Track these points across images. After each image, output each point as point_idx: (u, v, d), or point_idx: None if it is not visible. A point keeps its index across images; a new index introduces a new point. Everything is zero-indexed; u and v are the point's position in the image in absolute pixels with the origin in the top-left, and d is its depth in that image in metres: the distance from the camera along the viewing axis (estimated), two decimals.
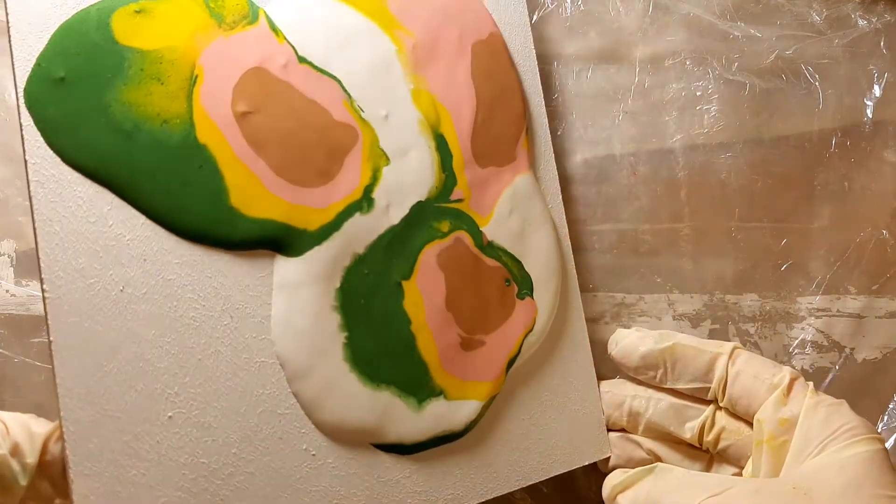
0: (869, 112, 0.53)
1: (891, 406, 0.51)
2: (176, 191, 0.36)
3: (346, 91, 0.40)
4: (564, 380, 0.44)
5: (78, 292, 0.34)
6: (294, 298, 0.38)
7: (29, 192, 0.34)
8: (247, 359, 0.37)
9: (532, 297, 0.43)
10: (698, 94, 0.52)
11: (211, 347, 0.36)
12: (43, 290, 0.34)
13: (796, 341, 0.52)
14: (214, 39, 0.38)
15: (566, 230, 0.46)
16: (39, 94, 0.35)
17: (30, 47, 0.35)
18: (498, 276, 0.43)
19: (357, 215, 0.40)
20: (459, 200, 0.42)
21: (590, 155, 0.51)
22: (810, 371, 0.51)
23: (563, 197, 0.46)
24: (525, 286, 0.43)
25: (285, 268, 0.38)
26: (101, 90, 0.35)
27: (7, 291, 0.45)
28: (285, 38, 0.39)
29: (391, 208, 0.41)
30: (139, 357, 0.35)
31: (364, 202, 0.40)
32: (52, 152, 0.35)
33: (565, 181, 0.49)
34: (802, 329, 0.52)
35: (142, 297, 0.35)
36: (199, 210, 0.36)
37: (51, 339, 0.33)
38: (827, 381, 0.51)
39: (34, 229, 0.34)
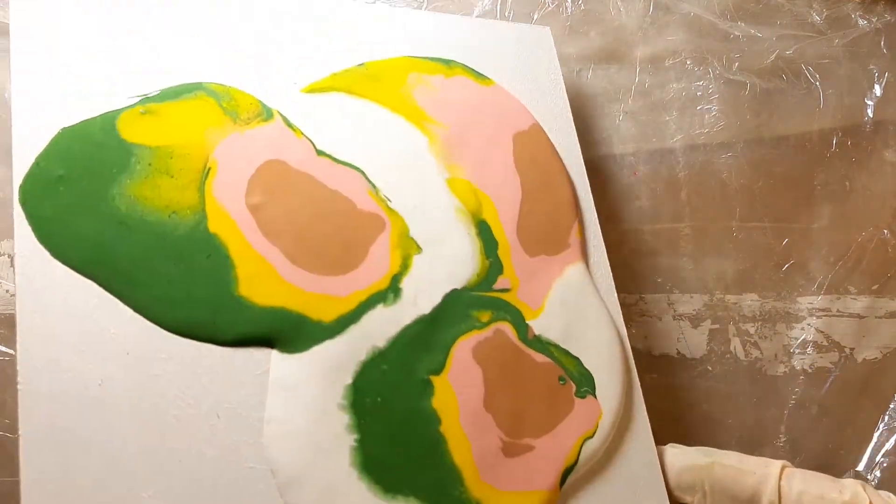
0: (869, 112, 0.53)
1: (891, 406, 0.51)
2: (177, 281, 0.35)
3: (369, 181, 0.39)
4: (629, 485, 0.38)
5: (54, 385, 0.31)
6: (293, 397, 0.34)
7: (16, 283, 0.33)
8: (234, 462, 0.32)
9: (595, 397, 0.39)
10: (699, 93, 0.52)
11: (194, 448, 0.32)
12: (17, 382, 0.31)
13: (796, 341, 0.52)
14: (229, 135, 0.38)
15: (623, 326, 0.42)
16: (35, 192, 0.34)
17: (30, 147, 0.35)
18: (550, 373, 0.38)
19: (380, 307, 0.37)
20: (505, 290, 0.40)
21: (590, 155, 0.51)
22: (810, 371, 0.51)
23: None
24: (586, 384, 0.39)
25: (285, 364, 0.35)
26: (104, 185, 0.35)
27: (7, 291, 0.45)
28: (303, 134, 0.39)
29: (421, 297, 0.38)
30: (114, 457, 0.31)
31: (390, 292, 0.37)
32: (41, 247, 0.33)
33: None
34: (802, 329, 0.52)
35: (122, 393, 0.32)
36: (201, 300, 0.34)
37: (20, 432, 0.30)
38: (827, 381, 0.51)
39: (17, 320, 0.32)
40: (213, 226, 0.36)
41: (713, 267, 0.51)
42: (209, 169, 0.37)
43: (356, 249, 0.38)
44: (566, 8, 0.51)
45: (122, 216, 0.35)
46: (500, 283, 0.40)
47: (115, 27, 0.37)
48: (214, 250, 0.36)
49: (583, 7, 0.51)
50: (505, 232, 0.41)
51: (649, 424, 0.40)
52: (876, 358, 0.52)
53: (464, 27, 0.45)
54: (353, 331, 0.36)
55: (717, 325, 0.51)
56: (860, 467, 0.49)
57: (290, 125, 0.39)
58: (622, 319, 0.41)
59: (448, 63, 0.43)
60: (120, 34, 0.37)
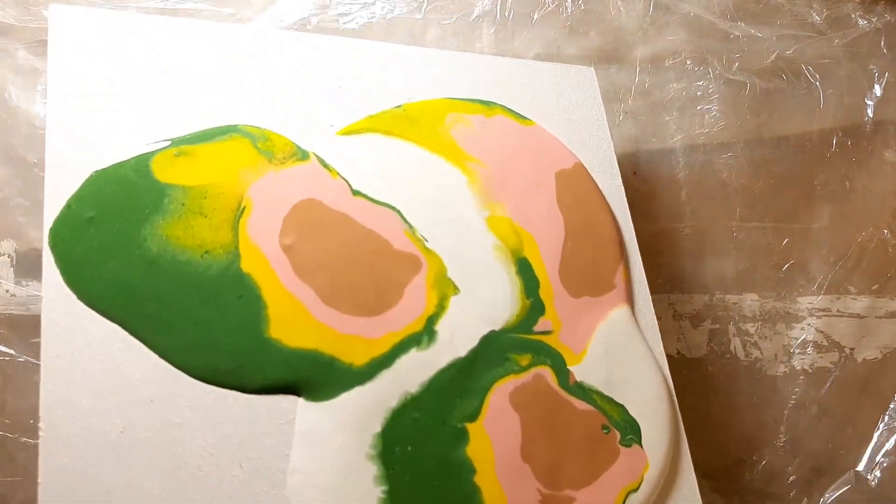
0: (869, 112, 0.53)
1: (891, 406, 0.51)
2: (205, 325, 0.34)
3: (406, 221, 0.39)
4: None
5: (75, 432, 0.31)
6: (319, 447, 0.33)
7: (41, 327, 0.33)
8: None
9: (641, 446, 0.37)
10: (699, 93, 0.52)
11: (216, 500, 0.31)
12: (39, 427, 0.31)
13: (796, 341, 0.52)
14: (264, 174, 0.37)
15: (669, 375, 0.40)
16: (64, 234, 0.34)
17: (63, 190, 0.35)
18: (592, 421, 0.37)
19: (413, 351, 0.36)
20: (547, 332, 0.38)
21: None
22: (810, 371, 0.51)
23: None
24: (631, 432, 0.37)
25: (311, 413, 0.33)
26: (136, 226, 0.35)
27: (7, 291, 0.45)
28: (338, 174, 0.39)
29: (457, 339, 0.37)
30: None
31: (425, 335, 0.36)
32: (68, 290, 0.33)
33: None
34: (803, 329, 0.52)
35: (144, 441, 0.31)
36: (228, 345, 0.34)
37: (39, 480, 0.30)
38: (827, 381, 0.51)
39: (41, 364, 0.32)
40: (246, 265, 0.36)
41: (713, 267, 0.51)
42: (244, 208, 0.37)
43: (391, 290, 0.37)
44: (566, 8, 0.51)
45: (152, 257, 0.35)
46: (542, 324, 0.38)
47: (151, 70, 0.38)
48: (246, 290, 0.35)
49: (583, 7, 0.51)
50: (547, 271, 0.40)
51: (695, 478, 0.38)
52: (876, 358, 0.52)
53: (504, 68, 0.45)
54: (385, 376, 0.35)
55: (717, 325, 0.51)
56: (860, 467, 0.49)
57: (325, 165, 0.39)
58: (668, 368, 0.40)
59: (488, 104, 0.43)
60: (155, 77, 0.38)
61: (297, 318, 0.35)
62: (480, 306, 0.38)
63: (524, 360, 0.37)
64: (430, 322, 0.37)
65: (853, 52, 0.53)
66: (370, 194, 0.39)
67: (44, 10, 0.50)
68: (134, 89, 0.37)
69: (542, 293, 0.39)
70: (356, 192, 0.39)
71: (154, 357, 0.33)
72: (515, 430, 0.35)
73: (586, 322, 0.39)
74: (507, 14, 0.51)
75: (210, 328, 0.34)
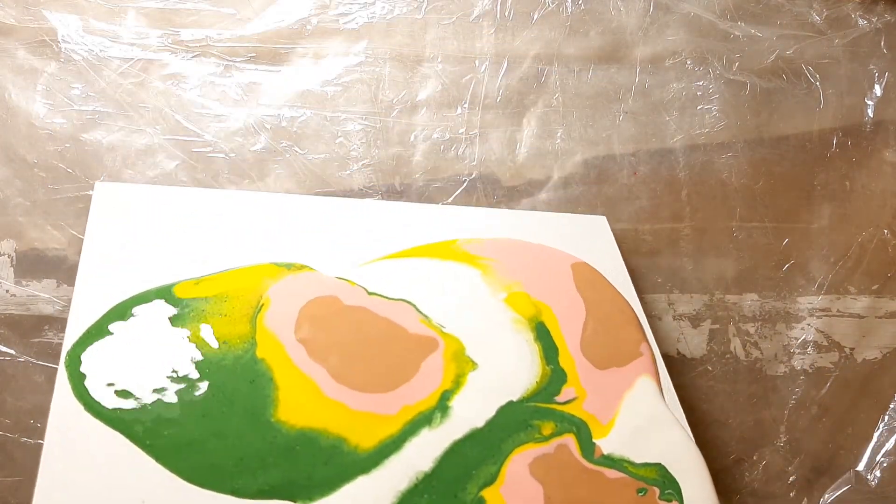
0: (870, 112, 0.53)
1: (891, 406, 0.51)
2: (213, 414, 0.34)
3: (421, 312, 0.39)
4: None
5: None
6: None
7: (45, 434, 0.33)
8: None
9: (679, 500, 0.35)
10: (699, 93, 0.52)
11: None
12: None
13: (796, 341, 0.52)
14: (284, 277, 0.39)
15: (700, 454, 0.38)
16: (78, 354, 0.35)
17: (85, 319, 0.36)
18: (626, 488, 0.34)
19: (425, 431, 0.34)
20: (571, 401, 0.37)
21: (590, 155, 0.51)
22: (810, 371, 0.51)
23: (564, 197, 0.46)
24: (670, 487, 0.35)
25: None
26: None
27: (7, 291, 0.45)
28: (356, 283, 0.40)
29: (474, 412, 0.35)
30: None
31: (437, 412, 0.35)
32: (76, 401, 0.34)
33: (567, 182, 0.49)
34: (803, 329, 0.52)
35: None
36: (233, 431, 0.33)
37: None
38: (827, 381, 0.51)
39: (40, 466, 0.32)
40: (262, 352, 0.36)
41: (713, 267, 0.51)
42: (262, 304, 0.38)
43: (407, 366, 0.36)
44: (566, 8, 0.51)
45: None
46: (565, 393, 0.37)
47: (179, 233, 0.40)
48: (259, 375, 0.35)
49: (583, 7, 0.51)
50: (568, 345, 0.39)
51: None
52: (876, 358, 0.52)
53: (518, 221, 0.46)
54: (394, 461, 0.33)
55: (717, 325, 0.51)
56: (860, 467, 0.49)
57: (342, 278, 0.40)
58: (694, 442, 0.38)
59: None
60: (184, 229, 0.40)
61: (307, 396, 0.35)
62: (499, 377, 0.37)
63: (547, 428, 0.35)
64: (445, 398, 0.36)
65: (853, 52, 0.53)
66: (385, 294, 0.39)
67: (44, 11, 0.50)
68: (165, 241, 0.39)
69: (563, 362, 0.38)
70: (371, 293, 0.39)
71: (151, 462, 0.32)
72: (537, 502, 0.33)
73: (613, 390, 0.38)
74: (507, 14, 0.51)
75: (216, 418, 0.34)
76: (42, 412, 0.43)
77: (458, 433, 0.34)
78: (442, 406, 0.35)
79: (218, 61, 0.51)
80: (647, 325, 0.42)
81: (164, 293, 0.37)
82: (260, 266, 0.39)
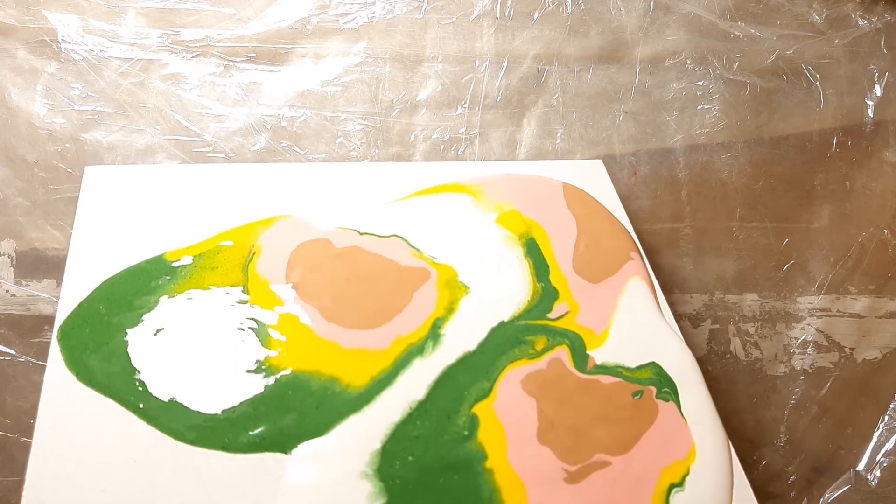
0: (870, 112, 0.53)
1: (891, 406, 0.51)
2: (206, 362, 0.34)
3: (412, 245, 0.39)
4: None
5: (57, 492, 0.31)
6: (307, 490, 0.31)
7: (39, 405, 0.34)
8: None
9: (680, 410, 0.34)
10: (699, 93, 0.52)
11: None
12: (24, 490, 0.32)
13: (796, 341, 0.52)
14: (276, 223, 0.39)
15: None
16: (71, 327, 0.36)
17: (78, 292, 0.37)
18: (621, 392, 0.34)
19: (417, 361, 0.34)
20: (563, 315, 0.37)
21: (590, 155, 0.51)
22: (810, 371, 0.51)
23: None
24: (667, 385, 0.35)
25: (299, 464, 0.31)
26: (143, 297, 0.36)
27: (7, 291, 0.45)
28: (347, 228, 0.40)
29: (466, 336, 0.35)
30: None
31: (429, 340, 0.35)
32: (69, 372, 0.34)
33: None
34: (803, 329, 0.52)
35: (122, 501, 0.31)
36: (225, 381, 0.33)
37: None
38: (827, 381, 0.51)
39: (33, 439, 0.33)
40: (254, 299, 0.36)
41: (713, 267, 0.51)
42: (254, 253, 0.38)
43: (399, 298, 0.36)
44: (566, 8, 0.51)
45: (162, 312, 0.36)
46: (557, 309, 0.37)
47: (172, 198, 0.40)
48: (251, 324, 0.35)
49: (583, 7, 0.51)
50: (560, 262, 0.39)
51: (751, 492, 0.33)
52: (876, 358, 0.52)
53: (516, 170, 0.46)
54: (386, 396, 0.33)
55: (717, 325, 0.51)
56: (860, 467, 0.49)
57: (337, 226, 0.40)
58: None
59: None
60: (176, 204, 0.40)
61: (299, 337, 0.35)
62: (491, 299, 0.37)
63: (539, 343, 0.35)
64: (436, 326, 0.36)
65: (853, 52, 0.53)
66: (376, 232, 0.40)
67: (44, 11, 0.50)
68: (156, 225, 0.39)
69: (554, 279, 0.38)
70: (363, 233, 0.40)
71: (142, 424, 0.33)
72: (530, 415, 0.33)
73: (607, 300, 0.38)
74: (507, 14, 0.51)
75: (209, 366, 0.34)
76: None
77: (451, 358, 0.35)
78: (434, 334, 0.35)
79: (218, 61, 0.51)
80: (638, 240, 0.43)
81: (155, 261, 0.37)
82: (253, 223, 0.39)
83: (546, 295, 0.37)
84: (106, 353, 0.34)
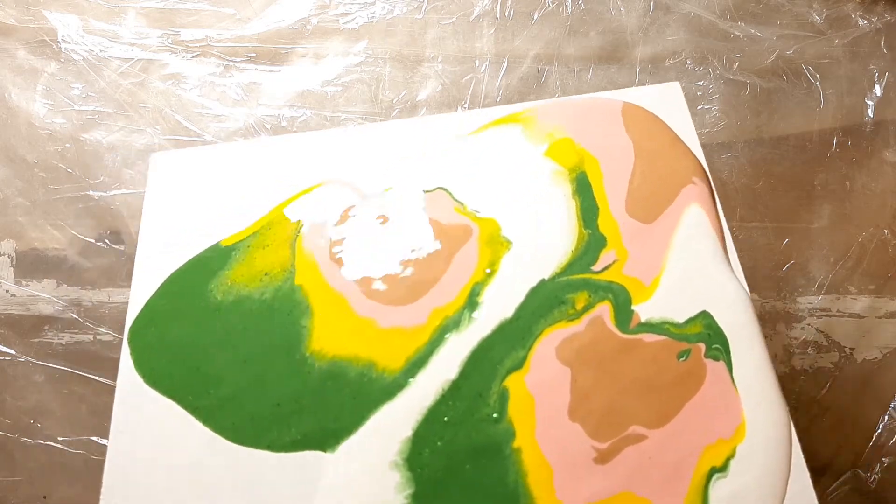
0: (870, 112, 0.53)
1: (891, 406, 0.51)
2: (251, 359, 0.35)
3: (455, 199, 0.37)
4: None
5: (129, 496, 0.34)
6: (344, 481, 0.31)
7: (113, 408, 0.36)
8: None
9: (731, 375, 0.30)
10: (699, 93, 0.52)
11: None
12: (101, 494, 0.34)
13: (797, 341, 0.52)
14: (315, 190, 0.39)
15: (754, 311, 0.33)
16: (139, 328, 0.37)
17: (144, 291, 0.38)
18: (664, 352, 0.31)
19: (452, 337, 0.33)
20: (609, 266, 0.33)
21: None
22: (810, 371, 0.51)
23: None
24: (717, 342, 0.31)
25: (335, 461, 0.32)
26: (203, 284, 0.37)
27: (7, 291, 0.45)
28: (390, 188, 0.39)
29: (504, 301, 0.33)
30: None
31: (465, 310, 0.34)
32: (136, 374, 0.36)
33: None
34: (803, 329, 0.52)
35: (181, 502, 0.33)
36: (272, 373, 0.34)
37: None
38: (827, 381, 0.51)
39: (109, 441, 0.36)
40: (300, 277, 0.36)
41: None
42: (300, 225, 0.38)
43: (438, 264, 0.35)
44: (566, 8, 0.51)
45: (217, 304, 0.36)
46: (603, 259, 0.33)
47: (230, 179, 0.40)
48: (296, 304, 0.36)
49: (583, 7, 0.51)
50: (610, 201, 0.34)
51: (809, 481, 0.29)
52: (876, 358, 0.52)
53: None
54: (420, 379, 0.33)
55: None
56: (860, 467, 0.49)
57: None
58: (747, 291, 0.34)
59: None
60: (234, 184, 0.40)
61: (339, 318, 0.35)
62: (533, 256, 0.34)
63: (580, 301, 0.32)
64: (474, 293, 0.34)
65: (853, 52, 0.53)
66: (422, 188, 0.38)
67: (44, 11, 0.50)
68: (213, 211, 0.39)
69: (603, 223, 0.34)
70: (406, 191, 0.39)
71: (198, 424, 0.34)
72: (563, 388, 0.30)
73: (660, 239, 0.33)
74: (507, 14, 0.51)
75: (256, 362, 0.35)
76: (42, 412, 0.43)
77: (487, 329, 0.33)
78: (471, 303, 0.34)
79: (218, 61, 0.51)
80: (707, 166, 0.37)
81: (213, 249, 0.38)
82: (297, 194, 0.39)
83: (592, 243, 0.34)
84: (167, 354, 0.36)
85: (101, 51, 0.50)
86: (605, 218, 0.34)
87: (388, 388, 0.33)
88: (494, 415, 0.31)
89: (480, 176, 0.37)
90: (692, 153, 0.37)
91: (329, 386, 0.33)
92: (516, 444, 0.30)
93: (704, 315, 0.32)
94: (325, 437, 0.32)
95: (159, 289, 0.37)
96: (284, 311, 0.36)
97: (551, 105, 0.39)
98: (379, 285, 0.35)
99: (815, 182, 0.53)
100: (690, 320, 0.32)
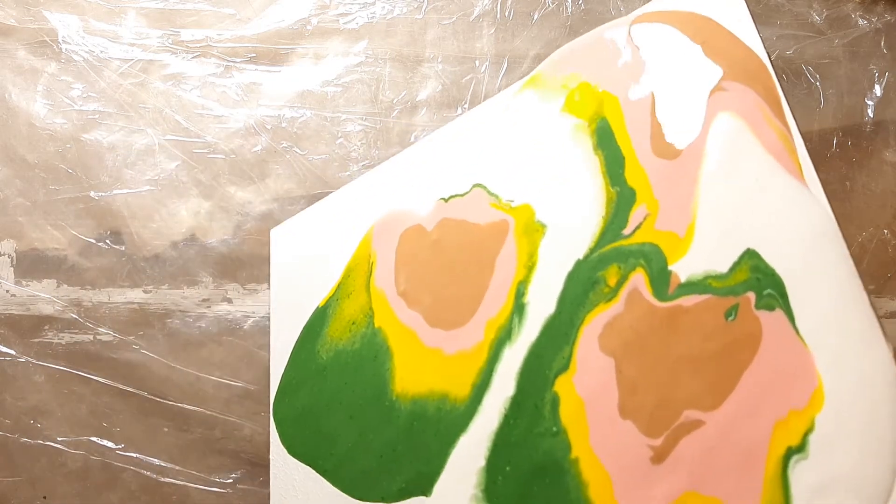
0: (870, 112, 0.53)
1: None
2: (351, 412, 0.37)
3: (490, 193, 0.37)
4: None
5: None
6: None
7: (270, 481, 0.40)
8: None
9: (783, 308, 0.23)
10: None
11: None
12: None
13: None
14: (374, 227, 0.41)
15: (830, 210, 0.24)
16: (279, 404, 0.41)
17: (279, 369, 0.42)
18: (710, 314, 0.25)
19: (506, 352, 0.32)
20: (639, 226, 0.29)
21: None
22: None
23: None
24: (770, 285, 0.23)
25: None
26: (312, 347, 0.40)
27: (7, 291, 0.45)
28: (437, 199, 0.40)
29: (546, 294, 0.31)
30: None
31: (515, 317, 0.32)
32: (282, 446, 0.40)
33: None
34: None
35: None
36: (370, 421, 0.36)
37: None
38: None
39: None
40: (378, 319, 0.38)
41: None
42: (371, 263, 0.39)
43: (484, 271, 0.34)
44: (566, 8, 0.51)
45: (323, 364, 0.39)
46: (634, 218, 0.29)
47: (322, 240, 0.43)
48: (379, 348, 0.37)
49: (583, 7, 0.51)
50: (634, 143, 0.30)
51: None
52: None
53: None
54: (486, 404, 0.32)
55: None
56: None
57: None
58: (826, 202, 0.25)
59: None
60: (321, 247, 0.43)
61: (412, 354, 0.36)
62: (566, 235, 0.31)
63: (611, 276, 0.29)
64: (519, 294, 0.32)
65: (853, 52, 0.53)
66: (457, 192, 0.39)
67: (44, 11, 0.50)
68: (312, 274, 0.42)
69: (630, 173, 0.30)
70: (448, 198, 0.39)
71: (329, 486, 0.37)
72: (609, 385, 0.27)
73: (686, 174, 0.27)
74: (507, 14, 0.51)
75: (358, 416, 0.37)
76: (42, 412, 0.43)
77: (534, 333, 0.31)
78: (518, 307, 0.32)
79: (218, 62, 0.51)
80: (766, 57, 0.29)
81: (315, 314, 0.40)
82: (364, 237, 0.41)
83: (621, 203, 0.30)
84: (299, 422, 0.39)
85: (101, 51, 0.50)
86: (632, 167, 0.30)
87: (461, 419, 0.33)
88: (553, 427, 0.29)
89: (510, 158, 0.36)
90: (729, 51, 0.29)
91: (416, 427, 0.34)
92: (573, 454, 0.28)
93: (750, 255, 0.25)
94: (423, 481, 0.34)
95: (287, 363, 0.40)
96: (370, 357, 0.37)
97: (557, 54, 0.36)
98: (438, 310, 0.36)
99: None
100: (735, 266, 0.26)
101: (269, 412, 0.41)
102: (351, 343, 0.38)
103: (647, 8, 0.34)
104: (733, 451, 0.23)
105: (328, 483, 0.37)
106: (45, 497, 0.44)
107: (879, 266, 0.53)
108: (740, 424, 0.23)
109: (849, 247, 0.52)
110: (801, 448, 0.22)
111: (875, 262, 0.53)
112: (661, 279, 0.28)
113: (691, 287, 0.27)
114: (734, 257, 0.26)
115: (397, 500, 0.34)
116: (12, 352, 0.44)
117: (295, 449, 0.40)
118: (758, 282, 0.25)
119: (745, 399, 0.23)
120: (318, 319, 0.40)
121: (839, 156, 0.53)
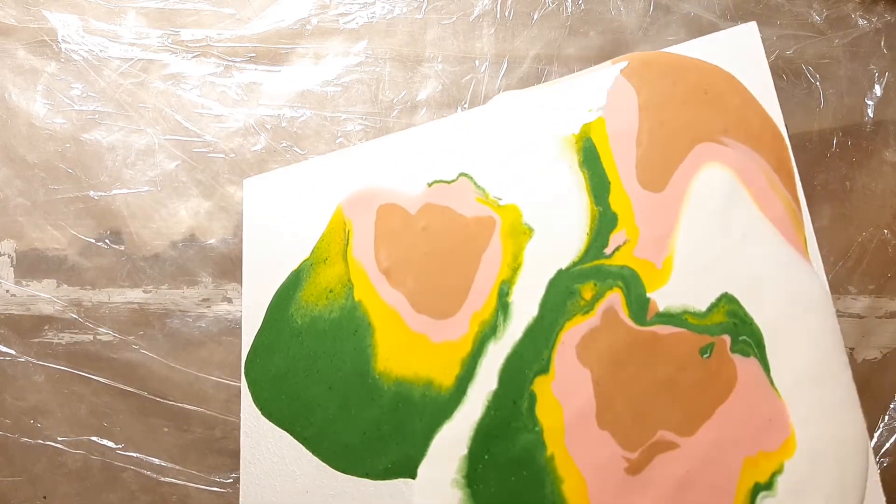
0: (870, 112, 0.53)
1: (891, 406, 0.51)
2: (332, 382, 0.37)
3: (477, 186, 0.38)
4: None
5: None
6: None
7: (240, 439, 0.40)
8: None
9: (758, 358, 0.25)
10: None
11: None
12: None
13: None
14: (351, 194, 0.41)
15: (821, 267, 0.26)
16: (251, 363, 0.40)
17: (251, 328, 0.41)
18: (682, 347, 0.26)
19: (490, 347, 0.34)
20: (618, 248, 0.30)
21: None
22: None
23: None
24: (745, 332, 0.25)
25: (419, 486, 0.34)
26: (286, 310, 0.39)
27: (7, 291, 0.45)
28: (417, 180, 0.40)
29: (530, 297, 0.33)
30: None
31: (499, 313, 0.33)
32: (255, 408, 0.39)
33: None
34: None
35: None
36: (352, 397, 0.36)
37: None
38: None
39: (240, 468, 0.39)
40: (358, 292, 0.38)
41: None
42: (349, 232, 0.39)
43: (469, 264, 0.35)
44: (566, 8, 0.51)
45: (297, 328, 0.39)
46: (613, 241, 0.30)
47: (304, 200, 0.42)
48: (359, 322, 0.37)
49: (583, 7, 0.51)
50: (618, 165, 0.31)
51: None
52: (876, 358, 0.52)
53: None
54: (470, 393, 0.33)
55: None
56: None
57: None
58: (815, 242, 0.24)
59: None
60: (308, 204, 0.42)
61: (396, 334, 0.36)
62: (551, 243, 0.32)
63: (586, 290, 0.30)
64: (503, 293, 0.33)
65: (853, 52, 0.53)
66: (443, 178, 0.39)
67: (44, 11, 0.50)
68: (292, 234, 0.42)
69: (615, 198, 0.31)
70: (431, 183, 0.40)
71: (309, 454, 0.37)
72: (587, 395, 0.28)
73: (668, 211, 0.28)
74: (507, 14, 0.51)
75: (338, 388, 0.37)
76: (42, 412, 0.43)
77: (518, 332, 0.32)
78: (503, 305, 0.33)
79: (218, 61, 0.51)
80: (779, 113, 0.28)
81: (291, 274, 0.40)
82: (340, 203, 0.41)
83: (603, 223, 0.31)
84: (274, 385, 0.38)
85: (101, 51, 0.50)
86: (617, 192, 0.31)
87: (446, 406, 0.34)
88: (529, 424, 0.30)
89: (499, 153, 0.37)
90: (730, 104, 0.30)
91: (401, 409, 0.35)
92: (549, 452, 0.29)
93: (728, 299, 0.27)
94: (409, 463, 0.34)
95: (262, 323, 0.40)
96: (350, 330, 0.37)
97: (557, 82, 0.41)
98: (424, 294, 0.36)
99: (814, 182, 0.53)
100: (713, 307, 0.27)
101: None
102: (328, 311, 0.38)
103: (708, 44, 0.36)
104: (705, 478, 0.24)
105: (307, 451, 0.37)
106: (45, 497, 0.44)
107: (879, 266, 0.53)
108: (714, 454, 0.25)
109: (849, 247, 0.52)
110: (769, 486, 0.23)
111: (875, 262, 0.53)
112: (639, 304, 0.29)
113: (669, 318, 0.28)
114: (712, 298, 0.28)
115: (382, 479, 0.35)
116: (12, 352, 0.44)
117: (270, 412, 0.39)
118: (734, 326, 0.27)
119: (718, 431, 0.25)
120: (293, 282, 0.40)
121: (839, 156, 0.53)
